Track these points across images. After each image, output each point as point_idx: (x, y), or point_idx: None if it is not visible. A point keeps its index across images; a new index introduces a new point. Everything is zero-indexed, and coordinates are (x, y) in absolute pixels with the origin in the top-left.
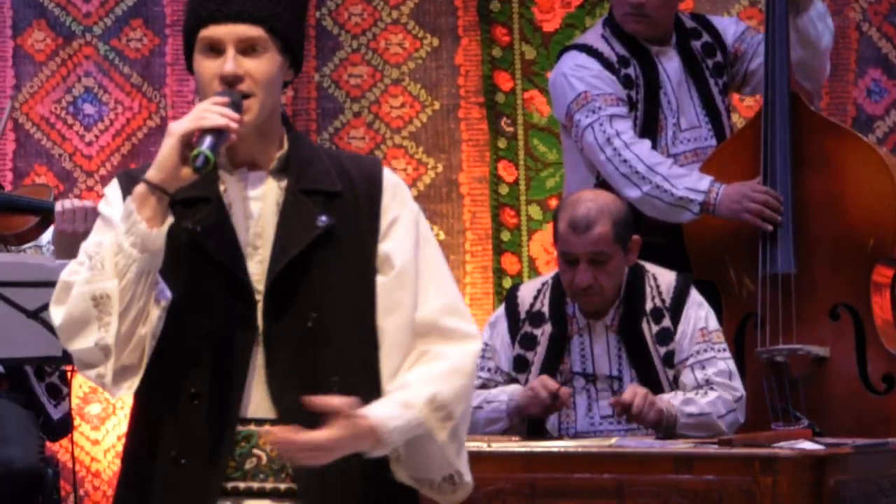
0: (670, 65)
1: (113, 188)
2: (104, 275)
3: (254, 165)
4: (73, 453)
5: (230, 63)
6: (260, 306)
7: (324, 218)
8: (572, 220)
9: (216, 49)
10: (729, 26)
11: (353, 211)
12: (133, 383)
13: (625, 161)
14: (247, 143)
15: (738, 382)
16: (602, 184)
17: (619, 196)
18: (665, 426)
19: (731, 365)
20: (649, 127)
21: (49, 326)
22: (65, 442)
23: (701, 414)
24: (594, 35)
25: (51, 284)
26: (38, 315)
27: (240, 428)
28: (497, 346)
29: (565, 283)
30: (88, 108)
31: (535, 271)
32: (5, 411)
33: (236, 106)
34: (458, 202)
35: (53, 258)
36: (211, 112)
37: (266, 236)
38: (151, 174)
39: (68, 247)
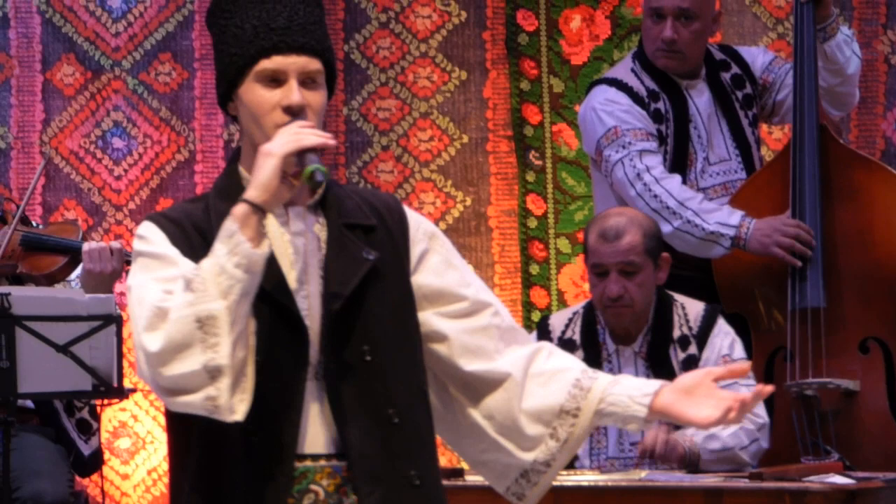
0: (700, 98)
1: (150, 229)
2: (208, 296)
3: (290, 202)
4: (102, 487)
5: (296, 94)
6: (313, 342)
7: (368, 252)
8: (602, 231)
9: (276, 80)
10: (757, 56)
11: (388, 244)
12: (243, 409)
13: (655, 196)
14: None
15: (761, 409)
16: None
17: None
18: (688, 463)
19: (752, 375)
20: (679, 161)
21: (79, 360)
22: (95, 476)
23: (724, 449)
24: (624, 69)
25: (80, 318)
26: (68, 349)
27: (297, 464)
28: None
29: (596, 298)
30: (117, 142)
31: (563, 304)
32: (36, 446)
33: None
34: (487, 235)
35: (82, 292)
36: (306, 133)
37: (311, 272)
38: (254, 194)
39: (96, 286)
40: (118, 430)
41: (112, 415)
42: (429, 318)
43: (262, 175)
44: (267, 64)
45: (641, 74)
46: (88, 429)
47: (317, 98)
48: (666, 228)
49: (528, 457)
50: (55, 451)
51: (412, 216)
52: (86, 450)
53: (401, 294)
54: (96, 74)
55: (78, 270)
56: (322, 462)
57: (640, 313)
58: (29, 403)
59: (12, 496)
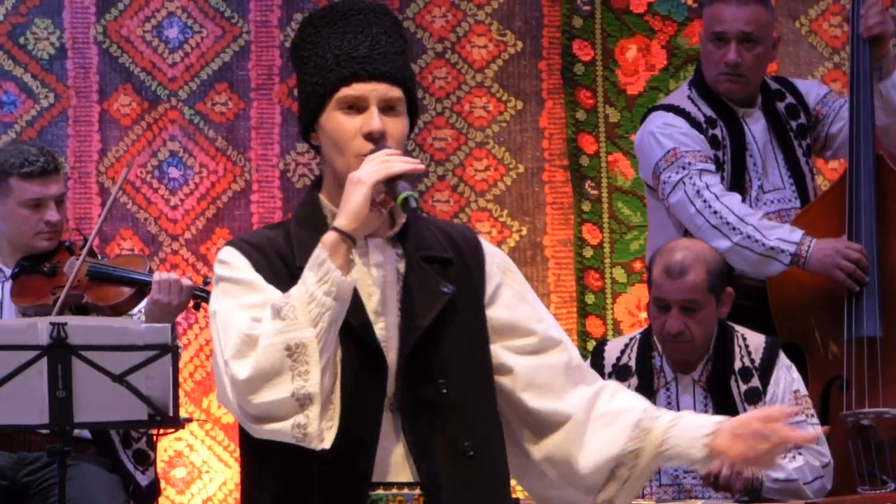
0: (756, 126)
1: (232, 254)
2: (298, 324)
3: (370, 233)
4: None
5: (377, 120)
6: (391, 373)
7: (446, 285)
8: (667, 266)
9: (356, 107)
10: (811, 88)
11: (464, 277)
12: (330, 437)
13: (715, 212)
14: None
15: (826, 448)
16: None
17: None
18: (751, 490)
19: (820, 431)
20: (735, 188)
21: (135, 390)
22: None
23: (787, 480)
24: (680, 96)
25: (136, 348)
26: (124, 379)
27: (381, 492)
28: None
29: (655, 329)
30: (173, 172)
31: (619, 334)
32: (92, 476)
33: None
34: (543, 265)
35: (138, 322)
36: (393, 160)
37: (389, 304)
38: (344, 223)
39: (160, 317)
40: (174, 460)
41: (167, 444)
42: (497, 351)
43: (352, 203)
44: (348, 91)
45: (698, 101)
46: (146, 459)
47: (397, 125)
48: (725, 244)
49: (589, 499)
50: (112, 480)
51: (488, 249)
52: (143, 480)
53: (477, 328)
54: (153, 105)
55: (143, 303)
56: (394, 490)
57: (700, 347)
58: (85, 433)
59: None
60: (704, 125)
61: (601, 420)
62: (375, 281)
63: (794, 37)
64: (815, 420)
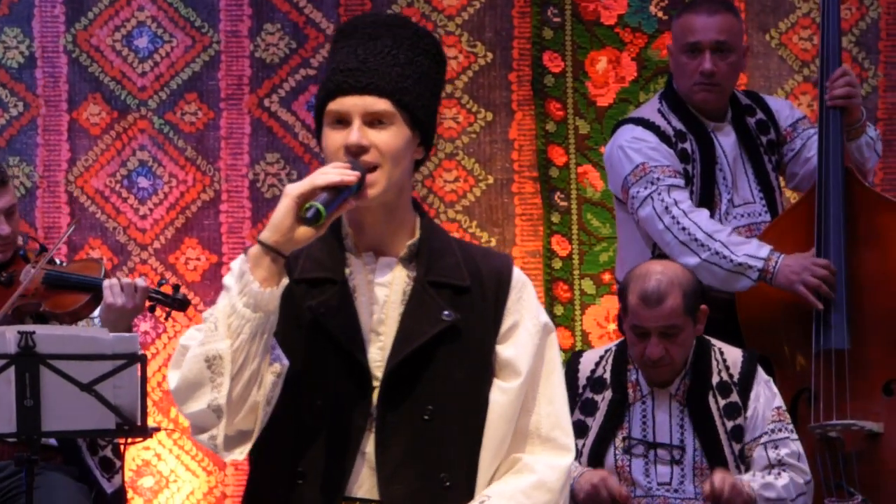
0: (726, 140)
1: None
2: (217, 336)
3: (381, 251)
4: None
5: (355, 133)
6: (377, 392)
7: (448, 313)
8: (643, 294)
9: (343, 121)
10: (783, 108)
11: (479, 308)
12: (245, 449)
13: (683, 229)
14: (375, 226)
15: (806, 465)
16: (658, 257)
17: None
18: None
19: (800, 447)
20: (705, 202)
21: (103, 399)
22: None
23: (778, 498)
24: (650, 109)
25: (104, 357)
26: (92, 388)
27: None
28: None
29: (635, 356)
30: (143, 182)
31: (588, 345)
32: (59, 485)
33: (363, 177)
34: None
35: (107, 331)
36: (327, 172)
37: (389, 324)
38: (266, 235)
39: (115, 321)
40: (141, 469)
41: (136, 453)
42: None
43: (275, 215)
44: (332, 106)
45: (669, 115)
46: (111, 467)
47: (384, 138)
48: (693, 260)
49: None
50: (78, 490)
51: (517, 284)
52: (108, 488)
53: (479, 360)
54: (122, 114)
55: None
56: None
57: (680, 366)
58: (53, 442)
59: None
60: (674, 139)
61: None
62: (377, 300)
63: (765, 49)
64: (796, 436)
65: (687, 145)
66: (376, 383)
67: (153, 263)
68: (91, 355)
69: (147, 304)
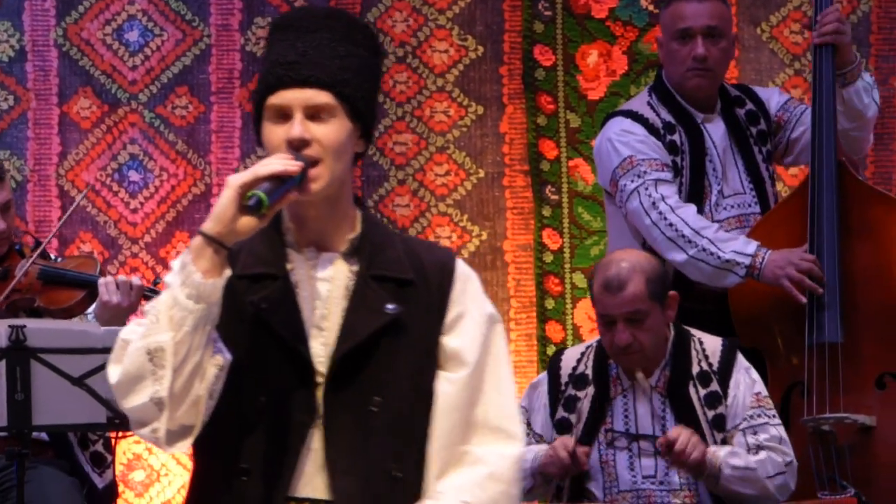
0: (716, 132)
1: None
2: (159, 328)
3: (323, 246)
4: None
5: (297, 127)
6: (322, 388)
7: (392, 306)
8: (605, 281)
9: (284, 115)
10: (772, 95)
11: (422, 301)
12: (187, 443)
13: (671, 225)
14: (317, 221)
15: (789, 448)
16: (647, 249)
17: (660, 257)
18: (708, 475)
19: (783, 431)
20: (694, 193)
21: (94, 393)
22: None
23: (746, 468)
24: (640, 101)
25: (95, 351)
26: (83, 382)
27: None
28: (533, 408)
29: (606, 345)
30: (133, 175)
31: (579, 339)
32: (50, 479)
33: (306, 170)
34: (503, 270)
35: (98, 325)
36: (270, 162)
37: (332, 319)
38: (208, 226)
39: (110, 319)
40: (132, 463)
41: (126, 447)
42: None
43: (217, 206)
44: (273, 99)
45: (658, 107)
46: (102, 462)
47: (326, 131)
48: (680, 257)
49: None
50: (69, 483)
51: (461, 276)
52: (100, 483)
53: (424, 353)
54: (113, 108)
55: (94, 305)
56: None
57: (652, 354)
58: (44, 436)
59: None
60: (662, 131)
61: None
62: (320, 295)
63: (755, 43)
64: (777, 421)
65: (676, 137)
66: (321, 379)
67: (144, 257)
68: (82, 349)
69: (142, 302)
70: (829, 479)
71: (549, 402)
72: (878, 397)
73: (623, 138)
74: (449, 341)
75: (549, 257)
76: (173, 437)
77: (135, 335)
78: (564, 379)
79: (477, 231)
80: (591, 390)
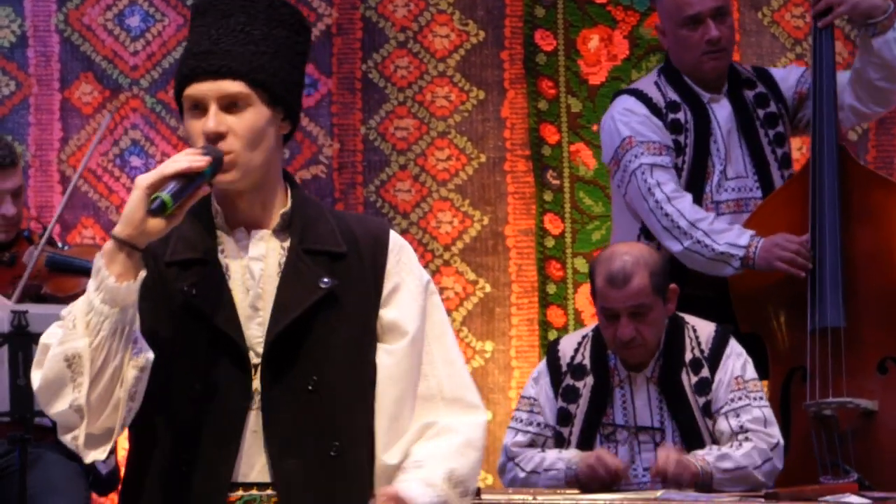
0: (721, 112)
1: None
2: (75, 334)
3: (253, 224)
4: None
5: (211, 120)
6: (259, 369)
7: (326, 280)
8: (609, 275)
9: (200, 107)
10: (788, 74)
11: (356, 273)
12: (106, 448)
13: (666, 215)
14: (244, 202)
15: (774, 429)
16: (647, 230)
17: (657, 246)
18: (701, 483)
19: (768, 412)
20: (697, 173)
21: None
22: (112, 495)
23: (737, 468)
24: (647, 80)
25: None
26: None
27: (241, 493)
28: (542, 401)
29: (607, 338)
30: (135, 161)
31: (580, 324)
32: (52, 464)
33: (218, 162)
34: (504, 255)
35: None
36: (177, 160)
37: (267, 298)
38: (118, 229)
39: None
40: None
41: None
42: (378, 350)
43: (126, 208)
44: (188, 91)
45: (665, 87)
46: None
47: (241, 122)
48: (676, 247)
49: None
50: (72, 469)
51: (394, 247)
52: (103, 469)
53: (361, 326)
54: (114, 93)
55: None
56: (253, 491)
57: (654, 347)
58: (46, 421)
59: None
60: (665, 110)
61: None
62: (253, 274)
63: (757, 27)
64: (763, 403)
65: (680, 115)
66: (257, 360)
67: None
68: None
69: None
70: (831, 463)
71: (553, 394)
72: (879, 382)
73: (625, 118)
74: (387, 313)
75: (550, 242)
76: (94, 443)
77: (54, 339)
78: (564, 369)
79: (478, 216)
80: (589, 380)
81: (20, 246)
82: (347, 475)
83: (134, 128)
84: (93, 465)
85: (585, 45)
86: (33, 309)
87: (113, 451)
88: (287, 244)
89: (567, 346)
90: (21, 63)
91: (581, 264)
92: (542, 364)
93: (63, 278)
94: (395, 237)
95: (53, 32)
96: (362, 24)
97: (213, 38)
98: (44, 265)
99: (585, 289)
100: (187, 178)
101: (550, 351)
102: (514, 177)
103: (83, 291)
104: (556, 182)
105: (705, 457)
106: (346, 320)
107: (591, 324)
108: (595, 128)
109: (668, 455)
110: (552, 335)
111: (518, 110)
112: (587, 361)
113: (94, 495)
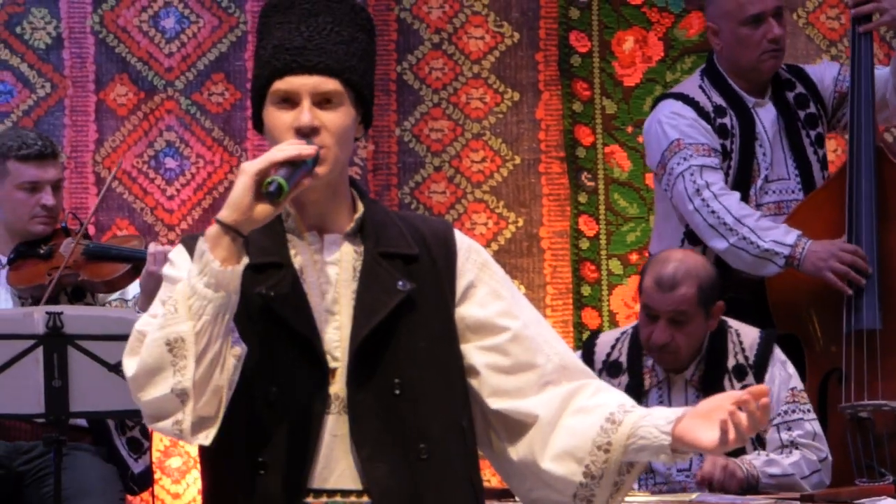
0: (767, 116)
1: (178, 252)
2: (178, 318)
3: (325, 229)
4: None
5: (306, 114)
6: (338, 373)
7: (404, 283)
8: (658, 278)
9: (290, 101)
10: (824, 73)
11: (431, 274)
12: (210, 434)
13: (713, 212)
14: (317, 205)
15: (823, 444)
16: (692, 233)
17: (707, 252)
18: (747, 489)
19: (817, 427)
20: (743, 177)
21: None
22: (146, 495)
23: (783, 475)
24: (691, 84)
25: None
26: (120, 368)
27: (325, 499)
28: None
29: (643, 337)
30: (170, 162)
31: (615, 325)
32: (87, 465)
33: (318, 155)
34: (539, 256)
35: (134, 311)
36: (284, 148)
37: (343, 302)
38: (224, 214)
39: (155, 289)
40: (169, 450)
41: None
42: (469, 350)
43: (233, 194)
44: (279, 85)
45: (710, 91)
46: (139, 447)
47: (334, 119)
48: (721, 244)
49: (567, 498)
50: (107, 469)
51: (462, 245)
52: (136, 468)
53: (440, 326)
54: (149, 95)
55: (134, 289)
56: (338, 498)
57: (686, 358)
58: (81, 422)
59: None
60: (712, 115)
61: (575, 416)
62: (329, 279)
63: (792, 29)
64: (812, 416)
65: (727, 120)
66: (335, 364)
67: None
68: (119, 336)
69: None
70: (867, 466)
71: None
72: None
73: (672, 121)
74: (469, 311)
75: (585, 244)
76: (197, 428)
77: (151, 326)
78: (598, 365)
79: (513, 218)
80: (624, 379)
81: (57, 239)
82: (441, 475)
83: (169, 129)
84: (126, 465)
85: (620, 46)
86: (68, 310)
87: (146, 451)
88: (360, 248)
89: (604, 342)
90: (56, 65)
91: (616, 266)
92: (573, 360)
93: (99, 265)
94: (460, 235)
95: (89, 34)
96: (397, 26)
97: (304, 35)
98: (80, 255)
99: (620, 290)
100: (293, 167)
101: (586, 346)
102: (549, 178)
103: (120, 277)
104: (591, 184)
105: (752, 461)
106: (425, 322)
107: (628, 325)
108: (630, 129)
109: (714, 462)
110: (586, 337)
111: (553, 112)
112: (623, 359)
113: (127, 496)
